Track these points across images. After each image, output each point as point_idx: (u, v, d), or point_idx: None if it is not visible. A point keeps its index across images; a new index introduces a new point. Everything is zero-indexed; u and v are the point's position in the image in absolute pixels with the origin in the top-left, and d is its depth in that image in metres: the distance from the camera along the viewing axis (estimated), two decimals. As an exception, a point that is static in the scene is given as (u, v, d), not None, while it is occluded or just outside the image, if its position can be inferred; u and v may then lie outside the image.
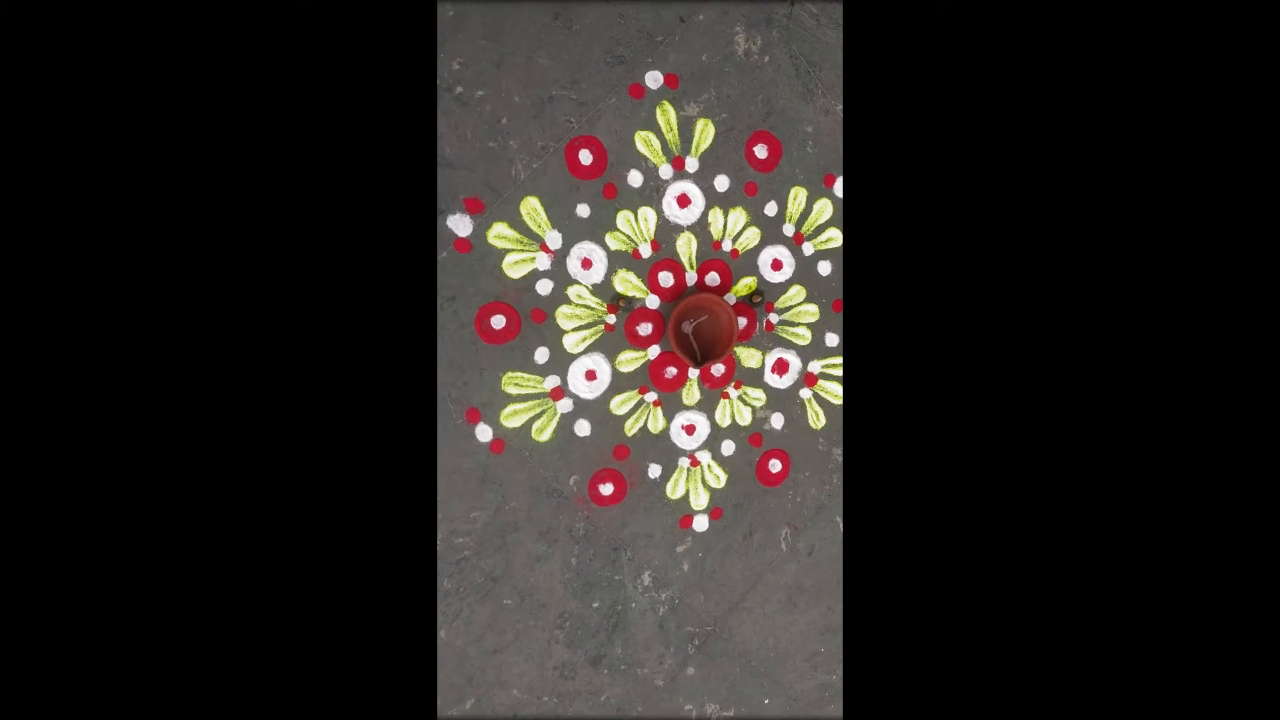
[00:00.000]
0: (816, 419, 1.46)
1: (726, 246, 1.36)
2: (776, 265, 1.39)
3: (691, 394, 1.37)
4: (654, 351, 1.34)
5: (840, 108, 1.40)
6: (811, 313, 1.43)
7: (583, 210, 1.27)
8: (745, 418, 1.40)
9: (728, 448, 1.40)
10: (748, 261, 1.38)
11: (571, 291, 1.28)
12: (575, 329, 1.29)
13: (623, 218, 1.29)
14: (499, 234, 1.23)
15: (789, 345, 1.42)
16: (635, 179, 1.29)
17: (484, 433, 1.25)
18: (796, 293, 1.41)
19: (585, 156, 1.26)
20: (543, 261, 1.26)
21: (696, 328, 1.33)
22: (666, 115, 1.30)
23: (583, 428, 1.31)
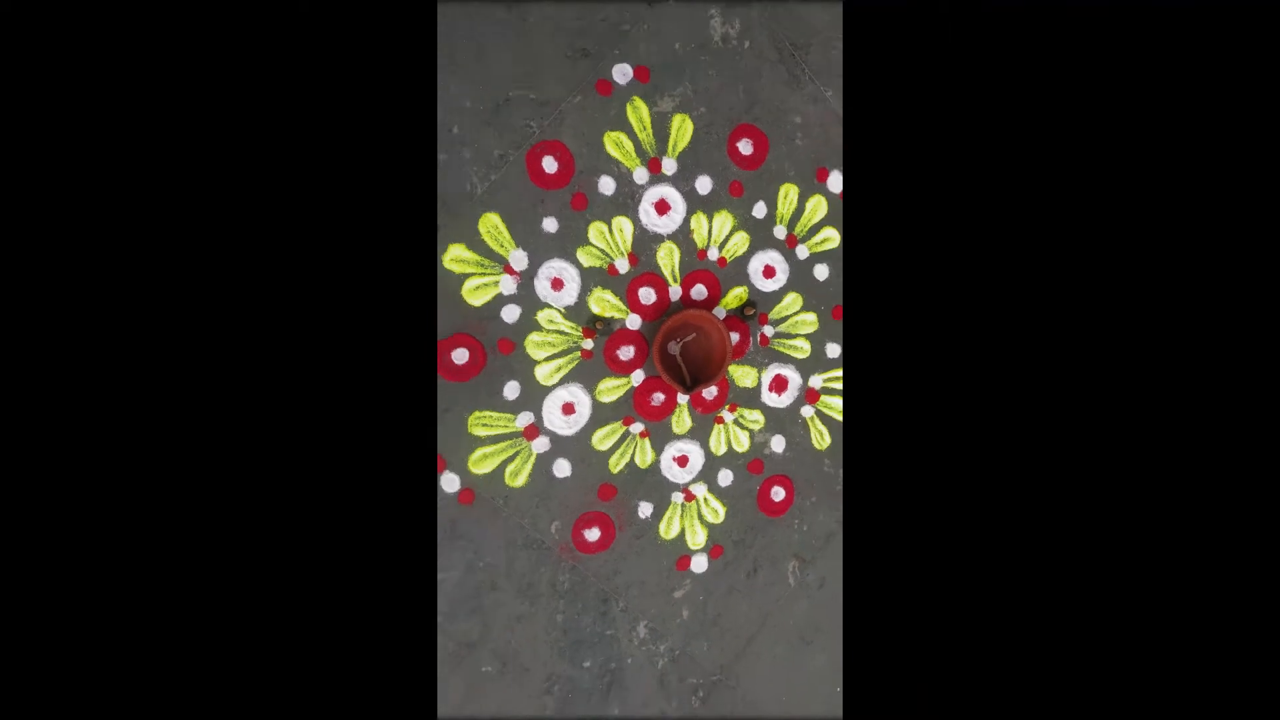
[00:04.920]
0: (820, 439, 1.33)
1: (713, 255, 1.24)
2: (769, 272, 1.27)
3: (682, 422, 1.24)
4: (638, 377, 1.21)
5: (830, 94, 1.27)
6: (809, 322, 1.31)
7: (550, 224, 1.13)
8: (743, 443, 1.28)
9: (725, 478, 1.28)
10: (737, 270, 1.25)
11: (542, 316, 1.15)
12: (548, 358, 1.16)
13: (595, 230, 1.16)
14: (456, 257, 1.09)
15: (787, 360, 1.30)
16: (607, 186, 1.16)
17: (450, 482, 1.11)
18: (792, 301, 1.30)
19: (549, 164, 1.13)
20: (508, 285, 1.12)
21: (684, 348, 1.21)
22: (639, 113, 1.16)
23: (562, 468, 1.18)
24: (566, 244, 1.15)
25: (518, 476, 1.16)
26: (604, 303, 1.18)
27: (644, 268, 1.20)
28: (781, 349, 1.30)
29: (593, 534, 1.20)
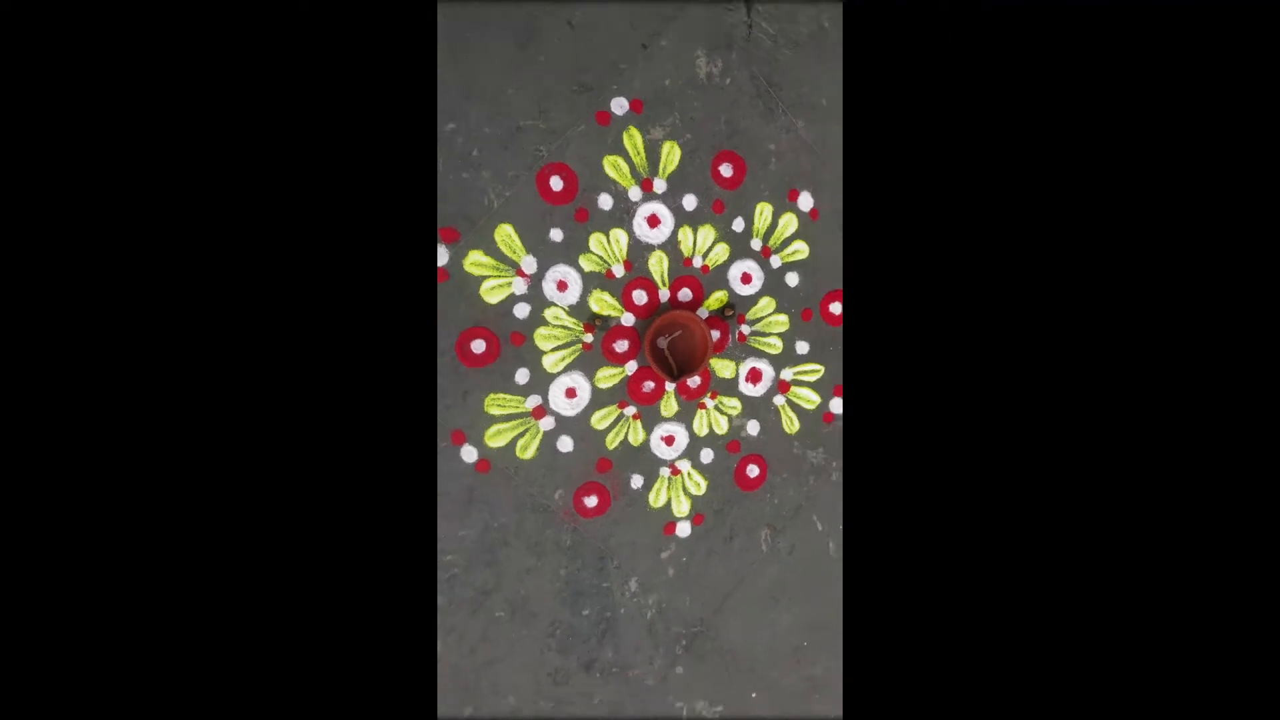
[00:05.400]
0: (790, 424, 1.51)
1: (697, 263, 1.41)
2: (746, 279, 1.44)
3: (669, 406, 1.42)
4: (631, 367, 1.39)
5: (801, 125, 1.45)
6: (781, 322, 1.48)
7: (556, 235, 1.31)
8: (722, 426, 1.46)
9: (706, 456, 1.45)
10: (718, 276, 1.42)
11: (548, 313, 1.32)
12: (554, 349, 1.33)
13: (595, 240, 1.34)
14: (475, 261, 1.27)
15: (761, 355, 1.47)
16: (605, 202, 1.33)
17: (469, 453, 1.30)
18: (766, 304, 1.47)
19: (556, 183, 1.30)
20: (519, 286, 1.30)
21: (671, 343, 1.38)
22: (633, 139, 1.34)
23: (565, 444, 1.36)
24: (570, 251, 1.32)
25: (527, 450, 1.33)
26: (602, 302, 1.35)
27: (637, 273, 1.36)
28: (757, 345, 1.47)
29: (591, 501, 1.38)
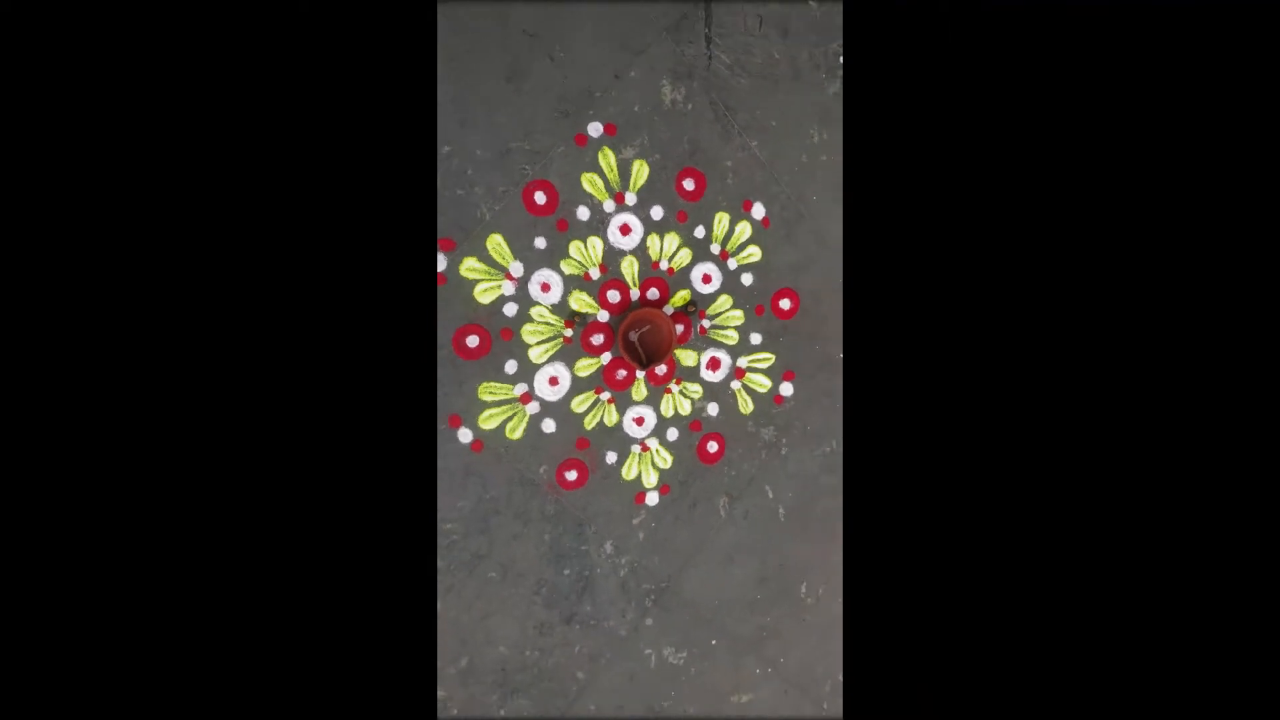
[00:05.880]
0: (745, 405, 1.70)
1: (664, 266, 1.53)
2: (706, 279, 1.57)
3: (640, 391, 1.55)
4: (606, 358, 1.51)
5: (755, 144, 1.63)
6: (737, 317, 1.65)
7: (540, 243, 1.44)
8: (686, 408, 1.59)
9: (672, 434, 1.59)
10: (682, 278, 1.55)
11: (533, 312, 1.45)
12: (538, 343, 1.47)
13: (574, 247, 1.46)
14: (469, 267, 1.42)
15: (720, 345, 1.62)
16: (583, 214, 1.45)
17: (465, 435, 1.46)
18: (724, 301, 1.61)
19: (540, 197, 1.43)
20: (508, 288, 1.44)
21: (641, 336, 1.49)
22: (607, 159, 1.47)
23: (549, 425, 1.49)
24: (553, 257, 1.44)
25: (515, 431, 1.47)
26: (581, 301, 1.47)
27: (611, 275, 1.48)
28: (716, 337, 1.60)
29: (571, 475, 1.51)
